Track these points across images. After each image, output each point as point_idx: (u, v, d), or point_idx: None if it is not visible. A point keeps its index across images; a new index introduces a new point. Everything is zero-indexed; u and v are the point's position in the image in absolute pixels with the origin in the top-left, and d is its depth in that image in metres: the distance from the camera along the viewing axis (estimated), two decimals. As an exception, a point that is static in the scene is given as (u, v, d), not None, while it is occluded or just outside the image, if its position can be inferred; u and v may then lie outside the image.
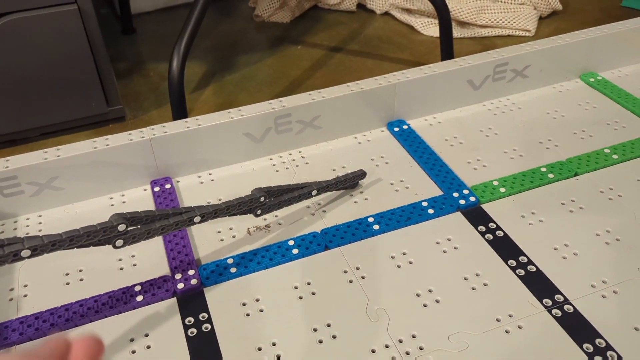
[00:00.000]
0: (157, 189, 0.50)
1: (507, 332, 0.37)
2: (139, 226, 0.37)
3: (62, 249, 0.33)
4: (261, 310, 0.39)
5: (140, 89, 0.86)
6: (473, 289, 0.40)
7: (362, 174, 0.49)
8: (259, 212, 0.43)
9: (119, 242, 0.36)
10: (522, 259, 0.42)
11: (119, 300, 0.40)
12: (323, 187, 0.46)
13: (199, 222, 0.39)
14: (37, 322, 0.39)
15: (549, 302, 0.39)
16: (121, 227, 0.35)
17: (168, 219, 0.37)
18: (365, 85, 0.55)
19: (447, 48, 0.81)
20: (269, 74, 0.89)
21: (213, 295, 0.41)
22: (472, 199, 0.47)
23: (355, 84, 0.55)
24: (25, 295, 0.41)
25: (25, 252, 0.31)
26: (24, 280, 0.42)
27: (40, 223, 0.48)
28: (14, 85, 0.72)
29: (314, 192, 0.45)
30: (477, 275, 0.41)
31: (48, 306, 0.40)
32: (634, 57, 0.67)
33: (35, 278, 0.42)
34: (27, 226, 0.48)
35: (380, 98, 0.56)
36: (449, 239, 0.44)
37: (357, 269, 0.42)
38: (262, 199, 0.42)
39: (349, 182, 0.48)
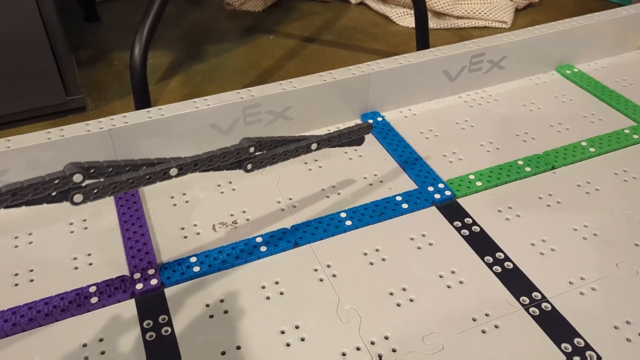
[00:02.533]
0: (117, 182, 0.47)
1: (483, 332, 0.35)
2: (101, 179, 0.31)
3: (3, 206, 0.28)
4: (226, 312, 0.37)
5: (104, 78, 0.82)
6: (448, 287, 0.38)
7: (368, 127, 0.43)
8: (249, 166, 0.37)
9: (78, 197, 0.30)
10: (499, 255, 0.41)
11: (71, 303, 0.37)
12: (324, 140, 0.40)
13: (175, 176, 0.33)
14: (-19, 327, 0.36)
15: (526, 300, 0.37)
16: (77, 178, 0.29)
17: (137, 171, 0.31)
18: (339, 75, 0.53)
19: (422, 39, 0.79)
20: (239, 64, 0.86)
21: (174, 296, 0.38)
22: (448, 193, 0.46)
23: (328, 73, 0.53)
24: (-31, 298, 0.38)
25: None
26: (-32, 281, 0.39)
27: (-11, 219, 0.45)
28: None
29: (314, 146, 0.39)
30: (453, 272, 0.39)
31: (-6, 309, 0.37)
32: (609, 50, 0.66)
33: (-19, 279, 0.39)
34: None
35: (354, 89, 0.54)
36: (423, 235, 0.42)
37: (328, 266, 0.40)
38: (251, 149, 0.36)
39: (354, 136, 0.42)
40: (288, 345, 0.35)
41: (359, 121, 0.55)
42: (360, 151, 0.51)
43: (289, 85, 0.51)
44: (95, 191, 0.30)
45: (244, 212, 0.45)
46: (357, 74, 0.53)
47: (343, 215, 0.44)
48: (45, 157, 0.45)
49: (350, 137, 0.42)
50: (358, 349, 0.35)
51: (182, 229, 0.43)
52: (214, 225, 0.44)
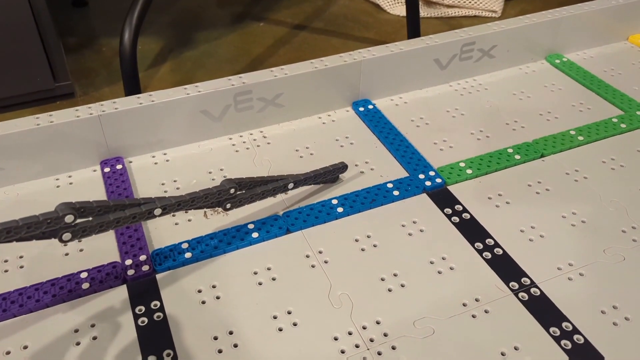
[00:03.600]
0: (107, 169, 0.47)
1: (473, 316, 0.36)
2: (90, 218, 0.33)
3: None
4: (218, 298, 0.37)
5: (92, 64, 0.81)
6: (439, 272, 0.39)
7: (343, 167, 0.46)
8: (228, 205, 0.39)
9: (67, 236, 0.31)
10: (489, 241, 0.41)
11: (62, 288, 0.37)
12: (301, 180, 0.42)
13: (159, 215, 0.35)
14: (-29, 313, 0.35)
15: (515, 285, 0.38)
16: (69, 219, 0.31)
17: (124, 211, 0.33)
18: (330, 62, 0.52)
19: (413, 27, 0.79)
20: (229, 51, 0.85)
21: (166, 282, 0.38)
22: (438, 180, 0.46)
23: (319, 60, 0.53)
24: (-42, 284, 0.38)
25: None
26: (-43, 267, 0.39)
27: None
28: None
29: (291, 186, 0.42)
30: (443, 258, 0.40)
31: (-16, 296, 0.37)
32: (598, 40, 0.66)
33: (-30, 265, 0.39)
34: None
35: (345, 76, 0.54)
36: (414, 222, 0.43)
37: (320, 252, 0.40)
38: (232, 190, 0.38)
39: (329, 176, 0.45)
40: (280, 330, 0.35)
41: (349, 109, 0.55)
42: (352, 139, 0.51)
43: (280, 72, 0.51)
44: (84, 230, 0.32)
45: (235, 198, 0.45)
46: (349, 62, 0.53)
47: (334, 202, 0.44)
48: (34, 143, 0.44)
49: (326, 177, 0.45)
50: (350, 333, 0.35)
51: (173, 215, 0.43)
52: (205, 212, 0.44)
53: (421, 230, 0.42)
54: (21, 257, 0.40)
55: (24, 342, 0.34)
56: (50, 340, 0.34)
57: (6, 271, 0.39)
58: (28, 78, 0.67)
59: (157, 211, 0.34)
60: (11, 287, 0.37)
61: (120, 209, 0.33)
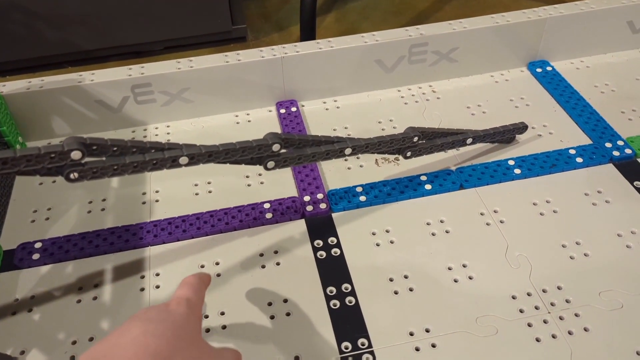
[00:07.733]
0: (282, 110, 0.49)
1: (667, 297, 0.33)
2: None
3: (217, 161, 0.31)
4: (392, 242, 0.38)
5: (260, 11, 0.84)
6: (628, 247, 0.36)
7: (523, 128, 0.44)
8: (408, 153, 0.39)
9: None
10: (686, 221, 0.38)
11: (248, 215, 0.40)
12: (480, 136, 0.41)
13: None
14: (170, 227, 0.39)
15: None
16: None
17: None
18: (512, 18, 0.50)
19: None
20: (393, 4, 0.84)
21: (341, 221, 0.39)
22: (628, 151, 0.42)
23: (500, 16, 0.50)
24: (157, 201, 0.42)
25: (183, 159, 0.30)
26: (155, 186, 0.43)
27: (168, 133, 0.48)
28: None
29: (469, 141, 0.41)
30: (633, 232, 0.37)
31: (179, 213, 0.40)
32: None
33: (166, 186, 0.43)
34: (157, 135, 0.48)
35: (525, 34, 0.51)
36: (599, 192, 0.40)
37: (495, 212, 0.39)
38: (415, 139, 0.38)
39: (507, 135, 0.43)
40: (456, 281, 0.35)
41: (524, 69, 0.53)
42: (528, 100, 0.49)
43: (459, 25, 0.50)
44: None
45: (406, 149, 0.45)
46: (533, 18, 0.50)
47: (511, 162, 0.42)
48: (221, 80, 0.47)
49: (504, 136, 0.42)
50: (529, 294, 0.34)
51: (346, 160, 0.44)
52: (376, 160, 0.44)
53: (607, 202, 0.39)
54: (209, 182, 0.43)
55: (216, 258, 0.37)
56: (238, 260, 0.37)
57: (197, 194, 0.42)
58: (210, 19, 0.72)
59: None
60: (202, 208, 0.40)
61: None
